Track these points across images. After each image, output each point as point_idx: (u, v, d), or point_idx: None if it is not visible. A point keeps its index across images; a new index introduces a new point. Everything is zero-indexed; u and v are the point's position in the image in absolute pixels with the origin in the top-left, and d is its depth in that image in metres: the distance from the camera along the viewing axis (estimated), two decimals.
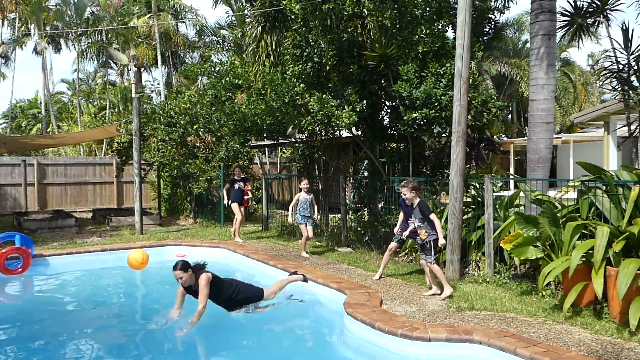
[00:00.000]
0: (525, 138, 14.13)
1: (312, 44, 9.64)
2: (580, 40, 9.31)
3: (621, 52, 8.48)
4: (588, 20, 8.92)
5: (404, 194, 6.51)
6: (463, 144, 7.10)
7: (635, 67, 8.40)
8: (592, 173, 6.34)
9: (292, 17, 9.99)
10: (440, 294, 6.31)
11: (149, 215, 13.75)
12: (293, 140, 13.05)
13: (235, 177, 10.98)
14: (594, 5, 8.70)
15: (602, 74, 9.02)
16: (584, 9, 8.81)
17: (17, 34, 29.53)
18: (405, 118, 8.80)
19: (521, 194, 7.52)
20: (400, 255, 8.52)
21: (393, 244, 7.13)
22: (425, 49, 9.27)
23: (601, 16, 8.67)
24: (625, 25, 8.29)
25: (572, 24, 8.97)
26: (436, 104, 8.59)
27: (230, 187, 10.93)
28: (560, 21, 8.93)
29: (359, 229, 10.41)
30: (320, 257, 8.95)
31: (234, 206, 10.81)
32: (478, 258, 7.38)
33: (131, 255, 7.10)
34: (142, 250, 7.32)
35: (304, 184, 9.28)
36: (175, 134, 13.54)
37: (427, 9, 9.33)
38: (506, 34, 24.86)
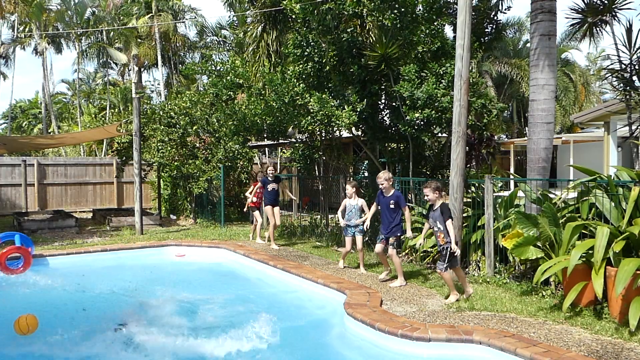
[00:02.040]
0: (525, 138, 14.11)
1: (312, 44, 9.64)
2: (592, 38, 9.16)
3: (623, 52, 8.45)
4: (595, 19, 8.84)
5: (427, 195, 6.12)
6: (463, 144, 7.10)
7: (638, 67, 8.36)
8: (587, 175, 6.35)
9: (293, 17, 10.00)
10: (448, 298, 6.18)
11: (149, 215, 13.75)
12: (293, 140, 13.05)
13: (268, 177, 10.04)
14: (602, 4, 8.63)
15: (603, 73, 8.97)
16: (594, 6, 8.72)
17: (18, 34, 29.56)
18: (407, 118, 8.79)
19: (521, 193, 7.50)
20: (400, 255, 8.49)
21: (378, 247, 7.00)
22: (424, 49, 9.28)
23: (608, 15, 8.61)
24: (629, 24, 8.26)
25: (584, 22, 8.89)
26: (437, 105, 8.58)
27: (264, 188, 10.04)
28: (573, 18, 8.89)
29: None
30: (320, 257, 8.94)
31: (268, 209, 9.95)
32: (478, 258, 7.38)
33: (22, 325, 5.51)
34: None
35: (348, 189, 7.78)
36: (175, 135, 13.54)
37: (428, 9, 9.34)
38: (506, 34, 24.86)
